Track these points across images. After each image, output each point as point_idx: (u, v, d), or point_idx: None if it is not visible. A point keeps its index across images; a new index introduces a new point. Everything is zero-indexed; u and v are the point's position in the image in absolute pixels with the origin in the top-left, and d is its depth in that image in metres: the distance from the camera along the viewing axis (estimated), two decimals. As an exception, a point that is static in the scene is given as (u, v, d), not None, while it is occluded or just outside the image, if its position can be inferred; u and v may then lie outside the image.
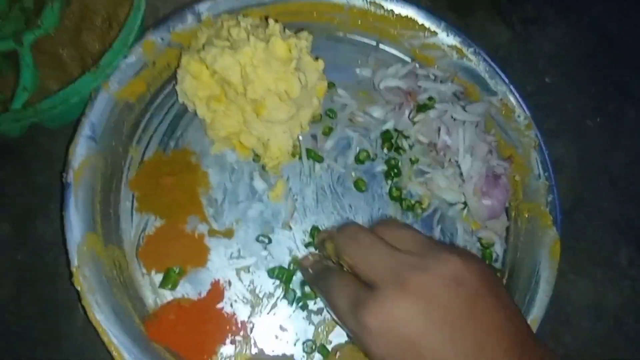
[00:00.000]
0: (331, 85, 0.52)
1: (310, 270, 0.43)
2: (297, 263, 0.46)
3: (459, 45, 0.53)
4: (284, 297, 0.45)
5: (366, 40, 0.55)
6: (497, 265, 0.49)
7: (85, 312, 0.39)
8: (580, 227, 0.55)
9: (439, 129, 0.50)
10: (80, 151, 0.43)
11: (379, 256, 0.35)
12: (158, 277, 0.44)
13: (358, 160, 0.50)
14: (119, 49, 0.45)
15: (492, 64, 0.53)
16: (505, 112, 0.52)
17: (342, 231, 0.39)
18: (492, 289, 0.34)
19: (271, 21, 0.45)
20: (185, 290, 0.44)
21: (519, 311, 0.36)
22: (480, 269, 0.34)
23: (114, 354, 0.38)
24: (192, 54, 0.45)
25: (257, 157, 0.48)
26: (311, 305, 0.45)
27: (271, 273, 0.46)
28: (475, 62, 0.53)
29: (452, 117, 0.50)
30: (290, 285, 0.45)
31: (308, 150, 0.49)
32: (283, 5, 0.52)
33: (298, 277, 0.46)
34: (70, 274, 0.40)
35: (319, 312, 0.45)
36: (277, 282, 0.46)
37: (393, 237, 0.36)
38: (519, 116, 0.52)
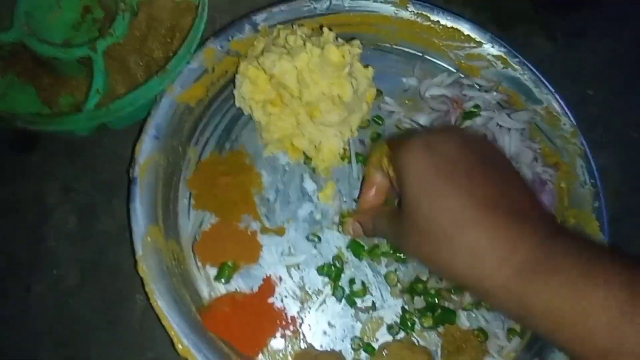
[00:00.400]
0: (379, 93, 0.54)
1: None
2: (345, 230, 0.48)
3: (503, 56, 0.55)
4: (333, 294, 0.47)
5: (412, 51, 0.57)
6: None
7: (147, 298, 0.41)
8: (625, 237, 0.54)
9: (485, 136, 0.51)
10: (146, 149, 0.46)
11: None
12: (213, 272, 0.46)
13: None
14: (183, 56, 0.48)
15: (537, 73, 0.54)
16: (550, 121, 0.53)
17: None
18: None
19: (326, 29, 0.48)
20: (238, 284, 0.46)
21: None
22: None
23: (174, 338, 0.40)
24: (251, 60, 0.48)
25: (307, 160, 0.51)
26: (359, 302, 0.47)
27: (320, 270, 0.47)
28: (520, 71, 0.54)
29: (497, 124, 0.52)
30: (339, 282, 0.47)
31: (357, 154, 0.51)
32: (334, 16, 0.54)
33: (347, 274, 0.47)
34: (135, 263, 0.42)
35: (367, 310, 0.46)
36: (326, 279, 0.47)
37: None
38: (564, 124, 0.53)
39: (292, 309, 0.46)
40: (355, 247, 0.48)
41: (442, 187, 0.33)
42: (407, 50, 0.57)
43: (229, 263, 0.46)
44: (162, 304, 0.41)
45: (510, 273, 0.30)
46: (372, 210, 0.43)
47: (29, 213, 0.49)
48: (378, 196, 0.44)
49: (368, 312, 0.46)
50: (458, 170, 0.33)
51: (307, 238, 0.48)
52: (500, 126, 0.51)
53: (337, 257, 0.48)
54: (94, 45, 0.48)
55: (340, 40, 0.49)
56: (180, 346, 0.40)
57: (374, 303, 0.47)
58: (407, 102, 0.55)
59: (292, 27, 0.50)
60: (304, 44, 0.46)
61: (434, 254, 0.33)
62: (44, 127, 0.45)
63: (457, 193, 0.32)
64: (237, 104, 0.50)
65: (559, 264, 0.29)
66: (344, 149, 0.50)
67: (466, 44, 0.56)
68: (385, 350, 0.44)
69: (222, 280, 0.46)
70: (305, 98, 0.46)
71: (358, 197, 0.47)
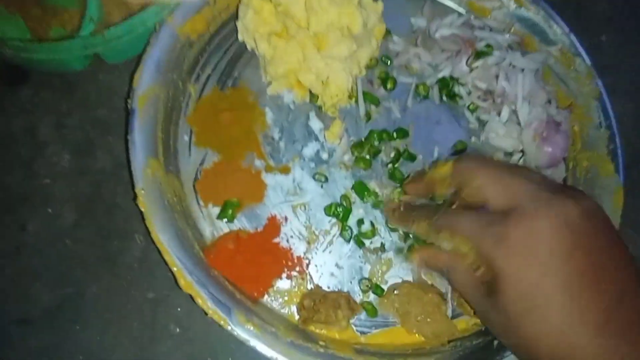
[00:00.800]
0: (387, 32, 0.51)
1: (403, 209, 0.42)
2: (381, 205, 0.46)
3: (517, -6, 0.53)
4: (340, 234, 0.45)
5: (421, -10, 0.55)
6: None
7: (148, 232, 0.40)
8: (636, 184, 0.53)
9: (497, 76, 0.49)
10: (145, 80, 0.43)
11: (517, 180, 0.33)
12: (215, 211, 0.44)
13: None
14: (182, -17, 0.45)
15: (552, 12, 0.52)
16: (564, 62, 0.52)
17: (463, 160, 0.38)
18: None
19: (335, -43, 0.45)
20: (242, 224, 0.44)
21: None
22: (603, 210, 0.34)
23: (177, 274, 0.39)
24: (255, -12, 0.45)
25: (313, 98, 0.48)
26: (367, 243, 0.45)
27: (328, 210, 0.45)
28: (534, 11, 0.52)
29: (510, 64, 0.50)
30: (347, 223, 0.45)
31: (365, 93, 0.49)
32: (341, -50, 0.51)
33: (355, 215, 0.46)
34: (134, 197, 0.40)
35: (375, 251, 0.45)
36: (333, 219, 0.45)
37: (522, 171, 0.35)
38: (579, 65, 0.51)
39: (299, 249, 0.44)
40: (359, 189, 0.46)
41: (549, 303, 0.30)
42: (416, -11, 0.55)
43: (233, 201, 0.44)
44: (163, 238, 0.39)
45: None
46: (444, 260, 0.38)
47: (22, 149, 0.47)
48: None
49: (377, 254, 0.45)
50: (568, 272, 0.30)
51: (314, 177, 0.46)
52: (514, 66, 0.50)
53: (345, 197, 0.46)
54: (87, -30, 0.45)
55: (349, -31, 0.46)
56: (183, 281, 0.38)
57: (382, 244, 0.45)
58: (415, 42, 0.53)
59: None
60: (313, -31, 0.43)
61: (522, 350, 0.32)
62: (34, 54, 0.43)
63: (567, 307, 0.30)
64: (240, 37, 0.47)
65: None
66: (351, 87, 0.48)
67: (478, -18, 0.53)
68: (395, 290, 0.43)
69: (225, 219, 0.44)
70: (312, 28, 0.43)
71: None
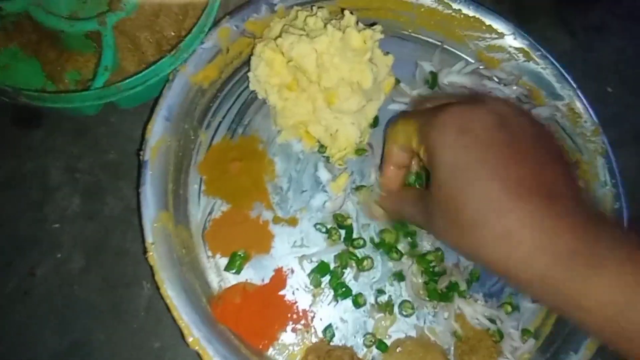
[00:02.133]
0: (396, 82, 0.52)
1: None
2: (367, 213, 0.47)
3: (526, 48, 0.53)
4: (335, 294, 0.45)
5: (431, 40, 0.55)
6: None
7: (157, 288, 0.40)
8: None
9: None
10: (157, 130, 0.44)
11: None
12: (223, 262, 0.45)
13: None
14: (196, 34, 0.46)
15: (560, 67, 0.52)
16: (571, 117, 0.52)
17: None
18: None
19: (347, 12, 0.46)
20: (249, 275, 0.45)
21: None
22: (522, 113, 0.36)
23: (184, 330, 0.39)
24: (268, 41, 0.46)
25: (322, 149, 0.49)
26: (371, 299, 0.45)
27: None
28: (542, 65, 0.53)
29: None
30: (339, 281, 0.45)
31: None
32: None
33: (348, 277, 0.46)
34: (144, 250, 0.41)
35: (380, 308, 0.45)
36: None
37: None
38: (585, 122, 0.51)
39: (304, 302, 0.45)
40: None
41: (475, 170, 0.32)
42: (426, 39, 0.55)
43: (240, 253, 0.44)
44: (172, 294, 0.39)
45: (548, 262, 0.29)
46: (396, 192, 0.41)
47: (32, 192, 0.47)
48: (401, 176, 0.42)
49: (382, 312, 0.45)
50: (493, 152, 0.32)
51: (315, 227, 0.47)
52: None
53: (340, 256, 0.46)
54: (103, 19, 0.46)
55: (360, 24, 0.47)
56: (190, 338, 0.39)
57: (390, 303, 0.45)
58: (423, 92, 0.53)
59: (312, 9, 0.48)
60: (325, 26, 0.44)
61: (466, 240, 0.32)
62: (49, 103, 0.43)
63: (491, 177, 0.31)
64: (252, 87, 0.48)
65: (605, 255, 0.28)
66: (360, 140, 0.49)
67: (487, 35, 0.54)
68: (399, 348, 0.43)
69: (233, 270, 0.44)
70: (323, 83, 0.44)
71: (379, 177, 0.45)
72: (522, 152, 0.32)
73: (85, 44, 0.48)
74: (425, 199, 0.35)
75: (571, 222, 0.30)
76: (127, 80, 0.43)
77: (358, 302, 0.45)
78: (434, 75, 0.53)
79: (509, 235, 0.30)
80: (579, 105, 0.52)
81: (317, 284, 0.45)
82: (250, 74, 0.47)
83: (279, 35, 0.46)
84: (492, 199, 0.31)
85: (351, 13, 0.46)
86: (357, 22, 0.47)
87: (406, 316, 0.45)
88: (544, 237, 0.29)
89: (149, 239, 0.40)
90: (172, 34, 0.50)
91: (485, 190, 0.31)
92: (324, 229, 0.47)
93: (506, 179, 0.31)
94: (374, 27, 0.47)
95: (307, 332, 0.44)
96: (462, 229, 0.32)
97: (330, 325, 0.44)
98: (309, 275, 0.45)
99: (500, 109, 0.34)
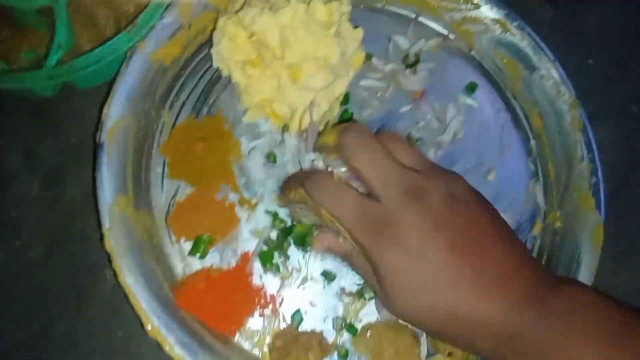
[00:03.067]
0: (367, 57, 0.50)
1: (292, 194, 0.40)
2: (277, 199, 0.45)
3: (502, 19, 0.51)
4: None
5: (405, 12, 0.53)
6: (536, 247, 0.48)
7: (115, 276, 0.39)
8: (621, 213, 0.52)
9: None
10: (114, 111, 0.42)
11: (390, 169, 0.35)
12: (187, 246, 0.43)
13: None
14: (155, 9, 0.44)
15: (537, 39, 0.51)
16: (548, 89, 0.50)
17: (348, 131, 0.37)
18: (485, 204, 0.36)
19: (312, -16, 0.44)
20: (214, 260, 0.43)
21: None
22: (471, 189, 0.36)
23: (143, 318, 0.38)
24: (230, 15, 0.44)
25: (286, 127, 0.47)
26: (342, 282, 0.44)
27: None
28: (520, 36, 0.51)
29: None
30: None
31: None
32: (322, -29, 0.50)
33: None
34: (101, 236, 0.39)
35: (351, 290, 0.44)
36: (307, 255, 0.44)
37: (399, 151, 0.37)
38: (563, 95, 0.50)
39: (272, 286, 0.43)
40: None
41: (424, 282, 0.33)
42: (399, 11, 0.53)
43: (205, 237, 0.43)
44: (130, 281, 0.38)
45: (489, 345, 0.32)
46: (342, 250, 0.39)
47: (-12, 178, 0.45)
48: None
49: (352, 295, 0.44)
50: (431, 264, 0.33)
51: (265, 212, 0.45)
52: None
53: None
54: (55, -6, 0.44)
55: (328, -3, 0.45)
56: (150, 327, 0.37)
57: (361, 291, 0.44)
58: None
59: (277, -20, 0.45)
60: (288, -1, 0.42)
61: (411, 314, 0.34)
62: (1, 84, 0.41)
63: (442, 285, 0.33)
64: (215, 64, 0.46)
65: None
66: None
67: (463, 6, 0.52)
68: (369, 331, 0.42)
69: (197, 255, 0.43)
70: (287, 59, 0.42)
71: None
72: (468, 243, 0.33)
73: (39, 21, 0.45)
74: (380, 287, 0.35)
75: (529, 299, 0.32)
76: (81, 58, 0.41)
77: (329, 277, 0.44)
78: (417, 57, 0.51)
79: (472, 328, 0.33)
80: (556, 78, 0.50)
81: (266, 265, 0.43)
82: (212, 50, 0.45)
83: (242, 9, 0.43)
84: (450, 308, 0.33)
85: (317, -16, 0.44)
86: (323, -6, 0.44)
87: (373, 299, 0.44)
88: (507, 319, 0.32)
89: (106, 224, 0.39)
90: (132, 10, 0.47)
91: (442, 303, 0.33)
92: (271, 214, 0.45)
93: (461, 283, 0.32)
94: None
95: (275, 317, 0.43)
96: (425, 328, 0.37)
97: (298, 311, 0.43)
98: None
99: (435, 205, 0.34)
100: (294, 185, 0.39)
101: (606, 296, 0.34)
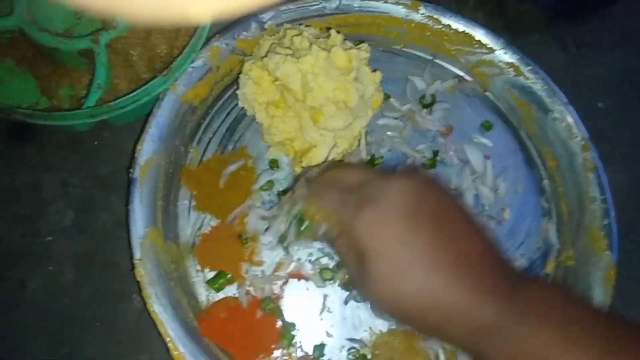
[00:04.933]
0: (385, 97, 0.52)
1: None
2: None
3: (516, 63, 0.53)
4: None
5: (422, 54, 0.56)
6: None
7: (144, 304, 0.41)
8: (629, 255, 0.53)
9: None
10: (147, 149, 0.44)
11: (331, 202, 0.38)
12: (211, 276, 0.45)
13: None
14: (188, 54, 0.46)
15: (551, 82, 0.53)
16: (561, 132, 0.52)
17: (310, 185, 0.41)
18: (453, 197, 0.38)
19: (333, 32, 0.47)
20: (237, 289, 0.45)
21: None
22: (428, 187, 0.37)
23: (170, 345, 0.40)
24: (255, 60, 0.46)
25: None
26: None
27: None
28: (533, 80, 0.53)
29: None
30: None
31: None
32: (342, 17, 0.53)
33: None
34: (132, 266, 0.41)
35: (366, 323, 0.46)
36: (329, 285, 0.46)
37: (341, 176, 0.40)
38: (576, 137, 0.51)
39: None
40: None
41: (406, 266, 0.34)
42: (416, 53, 0.56)
43: (227, 274, 0.45)
44: (158, 309, 0.40)
45: (466, 334, 0.33)
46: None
47: (25, 205, 0.48)
48: None
49: (368, 330, 0.45)
50: (417, 239, 0.34)
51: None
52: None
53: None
54: (96, 37, 0.47)
55: (348, 43, 0.48)
56: (176, 352, 0.39)
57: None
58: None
59: (300, 27, 0.48)
60: (310, 46, 0.45)
61: (411, 323, 0.37)
62: (43, 120, 0.44)
63: (423, 269, 0.34)
64: (241, 104, 0.49)
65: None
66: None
67: (478, 50, 0.54)
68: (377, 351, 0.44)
69: (214, 286, 0.45)
70: (309, 102, 0.45)
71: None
72: (444, 234, 0.34)
73: (79, 60, 0.49)
74: (363, 275, 0.36)
75: (499, 288, 0.33)
76: (119, 100, 0.44)
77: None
78: (433, 98, 0.53)
79: (448, 318, 0.34)
80: (569, 120, 0.52)
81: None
82: (238, 92, 0.48)
83: (266, 55, 0.46)
84: (430, 293, 0.33)
85: (338, 32, 0.47)
86: (344, 40, 0.47)
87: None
88: (478, 307, 0.33)
89: (137, 255, 0.41)
90: (165, 51, 0.51)
91: (423, 288, 0.34)
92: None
93: (439, 270, 0.33)
94: (361, 45, 0.47)
95: (293, 346, 0.44)
96: (404, 317, 0.36)
97: (322, 344, 0.44)
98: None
99: (408, 186, 0.36)
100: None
101: (572, 294, 0.37)
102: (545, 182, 0.53)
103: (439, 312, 0.33)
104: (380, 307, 0.38)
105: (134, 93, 0.44)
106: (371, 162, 0.50)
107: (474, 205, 0.51)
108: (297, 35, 0.46)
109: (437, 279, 0.33)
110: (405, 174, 0.37)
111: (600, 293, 0.46)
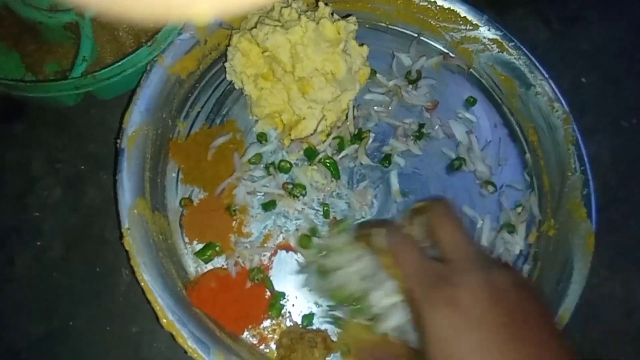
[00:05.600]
0: (372, 73, 0.53)
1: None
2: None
3: (499, 39, 0.54)
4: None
5: (408, 31, 0.56)
6: (531, 254, 0.50)
7: (133, 273, 0.41)
8: (613, 224, 0.55)
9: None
10: (134, 120, 0.45)
11: (467, 241, 0.36)
12: (200, 247, 0.46)
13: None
14: (173, 26, 0.47)
15: (532, 58, 0.54)
16: (543, 106, 0.53)
17: (439, 205, 0.39)
18: (532, 304, 0.34)
19: (321, 4, 0.47)
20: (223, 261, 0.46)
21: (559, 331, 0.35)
22: (521, 285, 0.34)
23: (159, 313, 0.40)
24: (244, 32, 0.47)
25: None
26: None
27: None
28: (516, 55, 0.54)
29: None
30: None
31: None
32: (330, -8, 0.53)
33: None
34: (120, 236, 0.42)
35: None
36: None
37: (445, 239, 0.36)
38: (557, 110, 0.52)
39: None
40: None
41: (467, 352, 0.31)
42: (402, 30, 0.56)
43: (215, 244, 0.45)
44: (147, 278, 0.40)
45: None
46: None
47: (14, 182, 0.48)
48: None
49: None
50: (486, 333, 0.31)
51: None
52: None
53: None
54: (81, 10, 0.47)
55: (335, 16, 0.48)
56: (165, 320, 0.40)
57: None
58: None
59: (288, 0, 0.49)
60: (299, 17, 0.45)
61: None
62: (28, 93, 0.44)
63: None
64: (229, 78, 0.49)
65: None
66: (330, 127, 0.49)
67: (462, 26, 0.55)
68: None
69: (203, 258, 0.45)
70: (297, 73, 0.45)
71: None
72: (518, 333, 0.31)
73: (65, 35, 0.48)
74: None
75: None
76: (104, 71, 0.44)
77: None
78: (418, 74, 0.54)
79: None
80: (551, 94, 0.53)
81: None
82: (227, 64, 0.48)
83: (255, 27, 0.46)
84: None
85: (326, 4, 0.47)
86: (331, 14, 0.48)
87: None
88: None
89: (125, 224, 0.41)
90: (152, 25, 0.50)
91: None
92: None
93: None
94: (349, 18, 0.48)
95: (282, 316, 0.45)
96: None
97: (311, 314, 0.45)
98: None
99: (497, 280, 0.33)
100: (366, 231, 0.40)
101: None
102: (528, 155, 0.54)
103: None
104: None
105: (119, 63, 0.44)
106: (359, 135, 0.50)
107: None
108: (285, 7, 0.46)
109: None
110: (495, 263, 0.35)
111: (580, 259, 0.47)
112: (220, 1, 0.14)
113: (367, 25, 0.55)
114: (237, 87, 0.50)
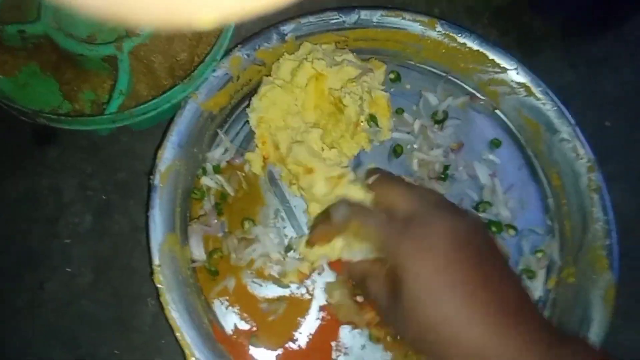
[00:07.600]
0: (399, 111, 0.54)
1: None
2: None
3: (528, 84, 0.55)
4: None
5: (436, 71, 0.57)
6: (549, 300, 0.51)
7: (160, 308, 0.42)
8: (631, 272, 0.55)
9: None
10: (167, 156, 0.46)
11: (419, 195, 0.39)
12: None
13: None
14: (209, 63, 0.48)
15: (560, 104, 0.54)
16: (567, 152, 0.53)
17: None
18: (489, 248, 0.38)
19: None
20: (249, 295, 0.47)
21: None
22: (482, 229, 0.39)
23: (186, 351, 0.41)
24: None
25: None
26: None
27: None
28: (543, 100, 0.54)
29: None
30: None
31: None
32: (362, 31, 0.54)
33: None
34: (151, 271, 0.43)
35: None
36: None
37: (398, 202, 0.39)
38: (581, 158, 0.53)
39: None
40: None
41: (445, 291, 0.34)
42: (431, 69, 0.57)
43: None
44: (175, 315, 0.41)
45: None
46: (362, 268, 0.41)
47: (45, 207, 0.49)
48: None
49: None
50: (460, 271, 0.35)
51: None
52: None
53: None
54: (120, 44, 0.48)
55: (359, 62, 0.49)
56: (192, 359, 0.41)
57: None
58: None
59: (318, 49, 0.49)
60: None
61: (438, 351, 0.35)
62: (65, 125, 0.45)
63: (462, 297, 0.34)
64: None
65: None
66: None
67: (490, 69, 0.55)
68: None
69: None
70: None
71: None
72: (490, 273, 0.35)
73: (101, 65, 0.49)
74: (395, 298, 0.36)
75: (539, 341, 0.33)
76: (141, 107, 0.45)
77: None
78: (445, 114, 0.55)
79: (482, 351, 0.33)
80: (576, 142, 0.53)
81: None
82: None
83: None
84: (465, 317, 0.34)
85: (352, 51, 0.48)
86: (356, 58, 0.48)
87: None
88: (515, 354, 0.33)
89: (156, 261, 0.42)
90: (186, 59, 0.51)
91: (458, 308, 0.34)
92: None
93: (476, 298, 0.34)
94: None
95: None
96: (435, 343, 0.35)
97: None
98: None
99: (461, 225, 0.37)
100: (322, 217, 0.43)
101: (608, 354, 0.37)
102: (550, 200, 0.54)
103: (463, 347, 0.33)
104: (405, 333, 0.38)
105: (156, 100, 0.45)
106: None
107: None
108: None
109: (472, 312, 0.33)
110: (457, 210, 0.38)
111: (599, 311, 0.47)
112: (225, 7, 0.14)
113: (395, 63, 0.56)
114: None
